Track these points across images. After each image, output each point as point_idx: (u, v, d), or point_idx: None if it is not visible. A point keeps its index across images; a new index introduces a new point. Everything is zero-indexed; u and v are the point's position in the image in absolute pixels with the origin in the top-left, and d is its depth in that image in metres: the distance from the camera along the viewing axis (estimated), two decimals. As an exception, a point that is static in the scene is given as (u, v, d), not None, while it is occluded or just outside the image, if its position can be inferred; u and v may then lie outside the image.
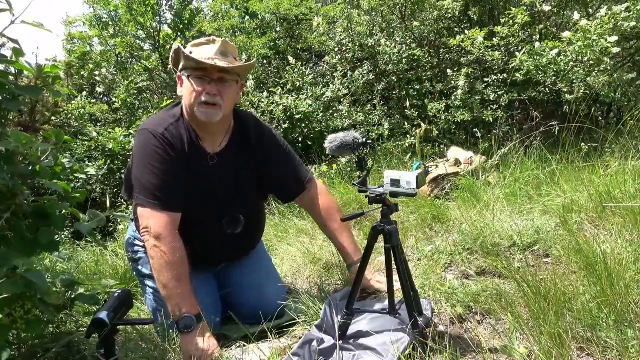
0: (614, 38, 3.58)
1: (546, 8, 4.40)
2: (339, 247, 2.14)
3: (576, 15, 3.87)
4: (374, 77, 5.22)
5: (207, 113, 1.85)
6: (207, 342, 1.73)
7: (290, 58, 5.92)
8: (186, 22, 7.82)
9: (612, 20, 3.68)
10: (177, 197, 1.86)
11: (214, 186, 1.96)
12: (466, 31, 4.43)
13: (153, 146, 1.83)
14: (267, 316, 1.93)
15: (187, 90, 1.88)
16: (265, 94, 5.28)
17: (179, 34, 7.91)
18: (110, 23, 8.59)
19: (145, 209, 1.82)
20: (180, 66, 1.91)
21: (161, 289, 1.80)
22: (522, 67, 4.01)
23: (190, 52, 1.86)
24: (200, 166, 1.93)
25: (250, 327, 1.93)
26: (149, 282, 2.05)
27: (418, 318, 1.59)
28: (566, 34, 3.87)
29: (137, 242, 2.12)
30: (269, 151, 2.07)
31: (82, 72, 9.25)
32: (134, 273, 2.27)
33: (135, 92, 7.28)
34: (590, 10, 4.86)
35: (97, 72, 9.07)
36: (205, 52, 1.86)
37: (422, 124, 4.54)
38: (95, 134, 5.25)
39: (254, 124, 2.08)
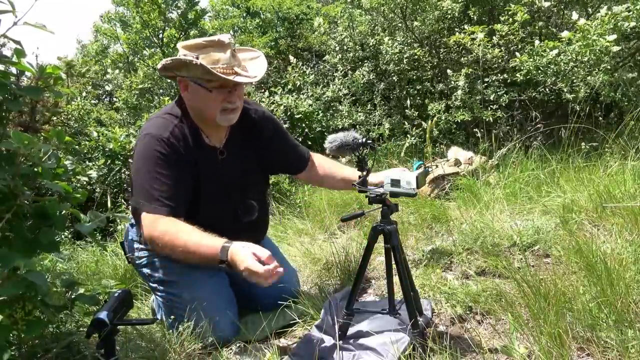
0: (613, 36, 3.57)
1: (545, 4, 4.39)
2: (345, 181, 2.11)
3: (574, 15, 3.86)
4: (374, 76, 5.22)
5: (229, 119, 1.88)
6: (249, 246, 1.62)
7: (291, 57, 5.92)
8: (191, 22, 7.84)
9: (612, 20, 3.67)
10: (183, 203, 1.84)
11: (225, 179, 1.95)
12: (466, 26, 4.43)
13: (157, 152, 1.80)
14: (286, 300, 1.93)
15: (202, 99, 1.83)
16: (266, 93, 5.28)
17: (183, 33, 7.91)
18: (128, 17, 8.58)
19: (150, 215, 1.77)
20: (188, 73, 1.82)
21: (188, 256, 1.72)
22: (522, 67, 4.01)
23: (197, 57, 1.76)
24: (211, 163, 1.93)
25: (250, 328, 1.93)
26: (153, 285, 2.02)
27: (418, 318, 1.59)
28: (565, 34, 3.87)
29: (139, 245, 2.08)
30: (269, 130, 2.10)
31: (89, 74, 9.24)
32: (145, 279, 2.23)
33: (137, 92, 7.28)
34: (590, 10, 4.86)
35: (109, 70, 9.04)
36: (216, 60, 1.77)
37: (422, 123, 4.54)
38: (95, 134, 5.23)
39: (253, 107, 2.11)
